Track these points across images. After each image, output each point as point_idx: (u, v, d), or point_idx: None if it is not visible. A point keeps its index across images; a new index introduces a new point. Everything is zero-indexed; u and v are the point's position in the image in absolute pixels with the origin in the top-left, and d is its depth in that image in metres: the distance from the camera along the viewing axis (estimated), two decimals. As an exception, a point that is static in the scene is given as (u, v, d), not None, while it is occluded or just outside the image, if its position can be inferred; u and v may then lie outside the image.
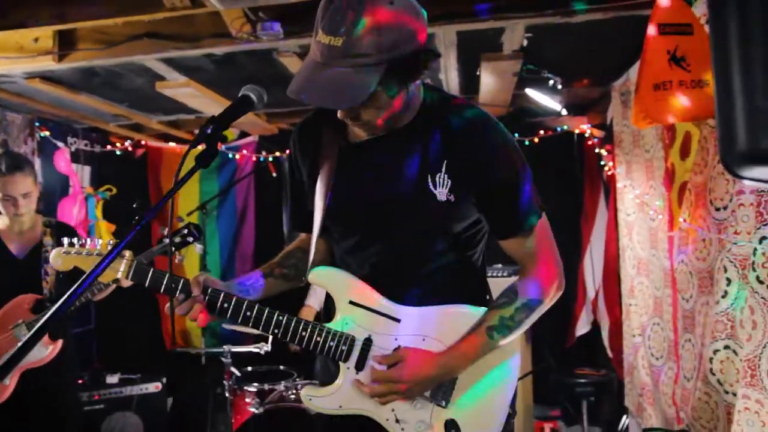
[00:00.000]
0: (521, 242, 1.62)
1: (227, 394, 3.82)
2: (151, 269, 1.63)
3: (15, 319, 2.98)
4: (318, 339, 1.60)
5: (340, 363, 1.61)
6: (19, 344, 1.06)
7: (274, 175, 5.58)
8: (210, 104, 4.36)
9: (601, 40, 3.47)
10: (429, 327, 1.60)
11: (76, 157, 5.25)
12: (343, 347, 1.60)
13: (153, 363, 5.12)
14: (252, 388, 3.87)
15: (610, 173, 4.55)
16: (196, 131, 5.58)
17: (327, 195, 1.64)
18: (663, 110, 2.36)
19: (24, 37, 3.36)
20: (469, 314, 1.62)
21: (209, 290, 1.61)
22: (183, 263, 4.38)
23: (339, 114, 1.51)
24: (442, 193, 1.55)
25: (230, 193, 5.81)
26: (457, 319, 1.61)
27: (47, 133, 4.85)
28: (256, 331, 1.63)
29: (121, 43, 3.28)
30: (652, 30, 2.37)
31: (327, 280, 1.66)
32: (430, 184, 1.56)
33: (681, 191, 2.92)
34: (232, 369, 3.90)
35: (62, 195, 5.00)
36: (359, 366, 1.60)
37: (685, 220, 2.90)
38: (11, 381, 2.92)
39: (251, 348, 3.88)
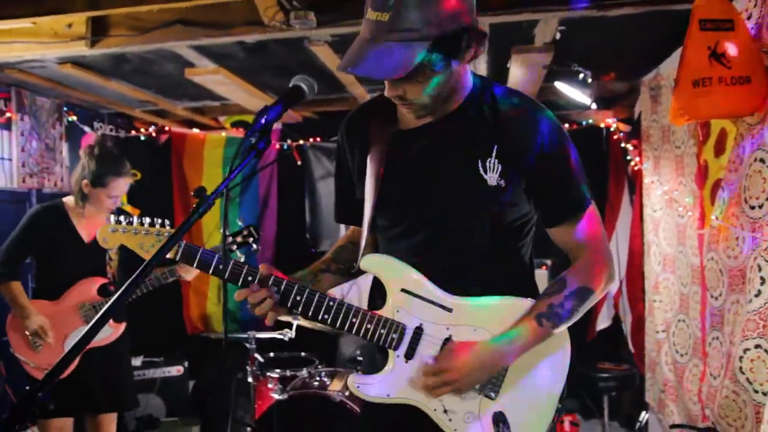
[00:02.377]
0: (570, 230, 1.62)
1: (250, 380, 3.86)
2: (200, 250, 1.61)
3: (83, 300, 3.14)
4: (369, 326, 1.60)
5: (390, 351, 1.61)
6: (86, 329, 1.11)
7: (299, 163, 5.60)
8: (237, 92, 4.37)
9: (633, 34, 3.45)
10: (480, 318, 1.60)
11: (102, 141, 5.29)
12: (394, 335, 1.60)
13: (175, 347, 5.18)
14: (275, 374, 3.89)
15: (636, 168, 4.52)
16: (221, 118, 5.66)
17: (377, 183, 1.65)
18: (702, 107, 2.34)
19: (58, 23, 3.38)
20: (519, 305, 1.61)
21: (284, 282, 1.60)
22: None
23: (386, 92, 1.52)
24: (492, 178, 1.56)
25: (253, 180, 5.84)
26: (508, 310, 1.61)
27: (74, 118, 4.90)
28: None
29: (154, 30, 3.30)
30: (692, 26, 2.36)
31: (380, 267, 1.66)
32: (481, 168, 1.56)
33: (714, 189, 2.90)
34: (256, 355, 3.94)
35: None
36: (409, 355, 1.60)
37: (716, 218, 2.88)
38: (75, 358, 3.03)
39: (275, 334, 3.92)
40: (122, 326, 3.23)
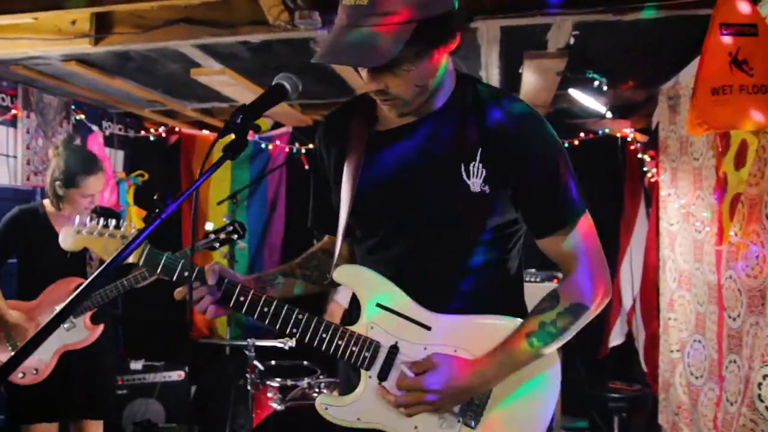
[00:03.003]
0: (561, 241, 1.48)
1: (249, 388, 3.78)
2: (165, 255, 1.54)
3: (59, 300, 3.05)
4: (339, 342, 1.48)
5: (362, 371, 1.49)
6: (42, 325, 1.04)
7: (307, 167, 5.51)
8: (244, 93, 4.30)
9: (651, 40, 3.32)
10: (462, 338, 1.48)
11: (109, 141, 5.26)
12: (366, 354, 1.48)
13: (177, 351, 5.11)
14: (275, 383, 3.82)
15: (652, 180, 4.37)
16: (230, 120, 5.59)
17: (352, 188, 1.53)
18: (721, 116, 2.21)
19: (62, 20, 3.33)
20: (506, 327, 1.49)
21: (225, 282, 1.51)
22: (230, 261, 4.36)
23: (367, 86, 1.41)
24: (475, 184, 1.44)
25: (262, 184, 5.77)
26: (492, 331, 1.48)
27: (82, 117, 4.86)
28: None
29: (158, 28, 3.24)
30: (712, 30, 2.23)
31: (354, 279, 1.54)
32: (464, 173, 1.45)
33: (733, 203, 2.76)
34: (256, 363, 3.86)
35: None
36: (383, 375, 1.48)
37: (736, 234, 2.73)
38: (52, 360, 3.03)
39: (276, 343, 3.83)
40: (99, 328, 3.14)
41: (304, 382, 3.79)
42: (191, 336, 5.65)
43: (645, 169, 4.53)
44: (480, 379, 1.43)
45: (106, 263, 1.10)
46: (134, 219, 5.17)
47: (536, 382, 1.50)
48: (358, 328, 1.50)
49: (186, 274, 1.54)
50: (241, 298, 1.51)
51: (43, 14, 3.05)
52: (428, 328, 1.48)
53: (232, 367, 4.82)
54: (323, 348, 1.48)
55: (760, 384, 2.42)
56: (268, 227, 5.86)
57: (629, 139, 4.74)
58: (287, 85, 1.40)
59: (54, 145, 3.19)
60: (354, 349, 1.47)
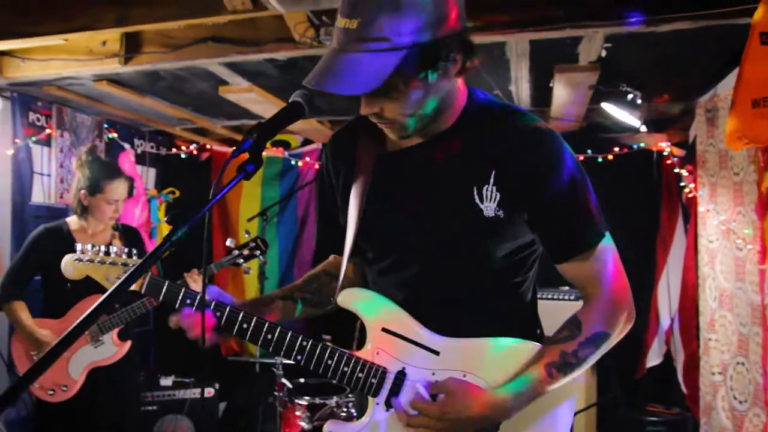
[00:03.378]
0: (581, 265, 1.40)
1: (278, 406, 3.75)
2: (166, 283, 1.51)
3: None
4: (345, 369, 1.42)
5: (369, 398, 1.44)
6: (47, 350, 1.00)
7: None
8: (273, 110, 4.23)
9: (687, 51, 3.21)
10: (471, 362, 1.41)
11: (141, 159, 5.32)
12: (373, 380, 1.42)
13: (208, 368, 5.10)
14: (303, 402, 3.77)
15: (690, 195, 4.23)
16: (260, 137, 5.62)
17: (360, 210, 1.48)
18: (763, 129, 2.11)
19: (93, 40, 3.39)
20: (518, 350, 1.41)
21: (227, 309, 1.47)
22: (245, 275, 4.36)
23: (362, 110, 1.36)
24: (489, 208, 1.37)
25: (292, 200, 5.76)
26: (504, 355, 1.41)
27: (115, 135, 4.92)
28: None
29: (185, 47, 3.26)
30: (751, 40, 2.13)
31: (358, 304, 1.48)
32: (476, 197, 1.38)
33: (777, 220, 2.63)
34: (284, 381, 3.83)
35: (127, 195, 5.06)
36: (390, 402, 1.42)
37: (779, 253, 2.61)
38: (80, 377, 3.06)
39: (312, 369, 3.78)
40: (127, 345, 3.17)
41: (333, 401, 3.74)
42: (223, 353, 5.66)
43: (682, 184, 4.39)
44: (495, 410, 1.35)
45: (112, 289, 1.07)
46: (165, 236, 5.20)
47: (550, 415, 1.43)
48: (363, 353, 1.45)
49: (188, 302, 1.50)
50: (245, 326, 1.46)
51: (74, 35, 3.10)
52: (436, 353, 1.42)
53: (262, 384, 4.79)
54: (329, 375, 1.43)
55: (808, 412, 2.28)
56: (299, 243, 5.84)
57: (665, 154, 4.60)
58: (303, 102, 1.36)
59: (77, 156, 3.24)
60: (360, 375, 1.42)
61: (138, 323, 4.93)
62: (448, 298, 1.45)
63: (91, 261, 1.61)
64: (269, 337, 1.45)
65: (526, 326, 1.51)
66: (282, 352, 1.44)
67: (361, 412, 1.48)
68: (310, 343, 1.44)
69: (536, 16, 2.77)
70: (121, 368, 3.15)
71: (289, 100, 1.38)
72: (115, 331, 3.09)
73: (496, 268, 1.44)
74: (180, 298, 1.50)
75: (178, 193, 5.43)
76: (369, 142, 1.52)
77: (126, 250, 1.61)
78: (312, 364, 1.43)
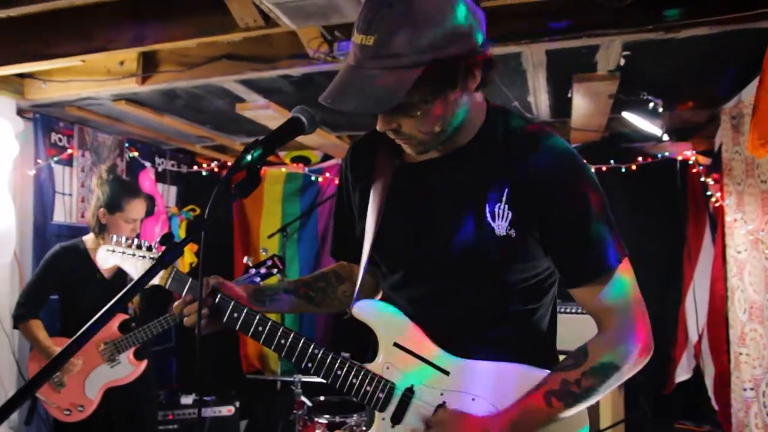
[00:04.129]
0: (595, 292, 1.33)
1: (297, 425, 3.71)
2: (189, 279, 1.55)
3: (103, 338, 3.08)
4: (354, 381, 1.40)
5: (376, 412, 1.40)
6: (36, 374, 1.00)
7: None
8: (290, 126, 4.31)
9: (710, 57, 3.14)
10: (481, 385, 1.36)
11: (162, 177, 5.36)
12: (380, 395, 1.39)
13: (229, 385, 5.09)
14: (323, 420, 3.74)
15: (717, 205, 4.12)
16: (281, 153, 5.63)
17: (377, 221, 1.46)
18: (787, 136, 2.03)
19: (111, 60, 3.43)
20: (529, 376, 1.36)
21: (219, 296, 1.50)
22: None
23: (378, 126, 1.33)
24: (501, 227, 1.33)
25: (312, 216, 5.75)
26: (514, 379, 1.36)
27: (136, 154, 4.97)
28: None
29: (200, 65, 3.28)
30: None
31: (372, 316, 1.45)
32: (488, 214, 1.34)
33: (806, 230, 2.53)
34: (303, 399, 3.79)
35: (146, 215, 5.11)
36: (396, 419, 1.38)
37: (810, 263, 2.51)
38: (97, 396, 3.06)
39: (321, 379, 3.75)
40: (143, 364, 3.15)
41: (353, 419, 3.69)
42: (244, 370, 5.65)
43: (709, 193, 4.28)
44: None
45: (132, 284, 1.11)
46: (186, 253, 5.23)
47: None
48: (373, 367, 1.42)
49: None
50: (260, 329, 1.47)
51: (92, 56, 3.13)
52: (447, 373, 1.38)
53: (282, 402, 4.76)
54: (337, 385, 1.42)
55: None
56: (320, 259, 5.82)
57: (691, 162, 4.50)
58: (303, 119, 1.33)
59: (97, 174, 3.26)
60: (368, 388, 1.40)
61: (158, 341, 4.96)
62: (459, 317, 1.41)
63: (123, 252, 1.66)
64: (282, 342, 1.45)
65: (540, 354, 1.44)
66: (293, 359, 1.44)
67: (371, 423, 1.45)
68: (321, 351, 1.43)
69: (551, 25, 2.73)
70: (138, 388, 3.14)
71: (290, 116, 1.36)
72: (132, 350, 3.08)
73: (509, 290, 1.38)
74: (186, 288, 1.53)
75: (198, 211, 5.46)
76: (387, 154, 1.50)
77: (157, 244, 1.64)
78: (322, 372, 1.42)
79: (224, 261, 5.54)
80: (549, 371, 1.36)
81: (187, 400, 4.65)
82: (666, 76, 3.44)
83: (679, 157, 4.57)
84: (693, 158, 4.48)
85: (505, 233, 1.33)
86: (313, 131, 1.36)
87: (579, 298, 1.37)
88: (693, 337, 4.49)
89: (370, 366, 1.42)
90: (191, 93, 3.72)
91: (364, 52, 1.20)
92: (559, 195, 1.31)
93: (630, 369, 1.33)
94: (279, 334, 1.45)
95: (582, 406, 1.32)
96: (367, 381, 1.40)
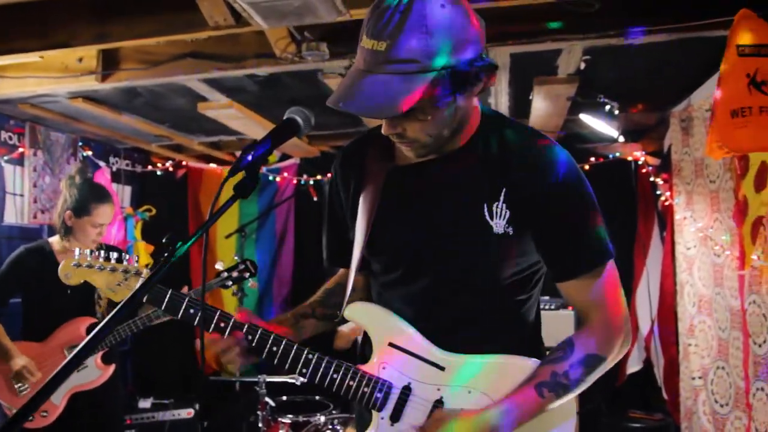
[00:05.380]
0: (583, 286, 1.41)
1: (261, 425, 3.69)
2: (169, 291, 1.48)
3: (70, 342, 3.00)
4: (351, 383, 1.42)
5: (374, 412, 1.44)
6: (51, 376, 0.96)
7: (315, 199, 5.47)
8: (252, 126, 4.29)
9: (662, 63, 3.29)
10: (476, 379, 1.41)
11: (117, 177, 5.24)
12: (378, 395, 1.42)
13: (187, 388, 5.02)
14: (287, 420, 3.73)
15: (666, 203, 4.31)
16: (238, 153, 5.55)
17: (368, 223, 1.48)
18: (741, 139, 2.16)
19: (68, 57, 3.33)
20: (522, 367, 1.42)
21: (259, 332, 1.45)
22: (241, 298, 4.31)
23: (383, 129, 1.36)
24: (499, 225, 1.38)
25: (270, 217, 5.72)
26: (508, 371, 1.41)
27: (90, 153, 4.85)
28: None
29: (164, 63, 3.23)
30: (728, 52, 2.19)
31: (365, 318, 1.49)
32: (486, 214, 1.39)
33: (755, 226, 2.69)
34: (267, 399, 3.78)
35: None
36: (395, 417, 1.42)
37: (758, 258, 2.66)
38: (62, 402, 2.97)
39: (287, 378, 3.75)
40: (111, 368, 3.09)
41: (317, 418, 3.70)
42: (203, 374, 5.56)
43: (658, 192, 4.47)
44: (486, 430, 1.34)
45: (119, 305, 1.05)
46: (142, 254, 5.12)
47: None
48: (369, 368, 1.45)
49: (191, 311, 1.49)
50: (274, 348, 1.44)
51: (51, 52, 3.05)
52: (442, 369, 1.42)
53: (243, 403, 4.72)
54: (334, 388, 1.43)
55: (792, 414, 2.33)
56: (277, 260, 5.79)
57: (641, 163, 4.68)
58: (299, 120, 1.35)
59: (67, 175, 3.19)
60: (366, 390, 1.42)
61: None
62: (454, 313, 1.45)
63: (91, 266, 1.58)
64: (274, 349, 1.44)
65: (529, 344, 1.51)
66: (287, 365, 1.44)
67: (363, 424, 1.48)
68: (315, 356, 1.44)
69: (517, 29, 2.81)
70: (104, 392, 3.07)
71: (284, 117, 1.37)
72: (99, 354, 3.02)
73: (501, 285, 1.44)
74: (183, 308, 1.48)
75: (154, 211, 5.36)
76: (379, 157, 1.52)
77: (127, 255, 1.59)
78: (317, 377, 1.43)
79: (180, 262, 5.41)
80: (539, 361, 1.42)
81: (144, 403, 4.57)
82: (620, 80, 3.58)
83: (630, 158, 4.76)
84: (642, 159, 4.67)
85: (503, 231, 1.38)
86: (307, 132, 1.38)
87: (567, 291, 1.44)
88: (643, 329, 4.68)
89: (365, 367, 1.45)
90: (153, 91, 3.66)
91: (375, 57, 1.23)
92: (555, 193, 1.37)
93: (613, 359, 1.42)
94: (270, 341, 1.44)
95: (571, 396, 1.39)
96: (364, 382, 1.42)
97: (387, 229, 1.48)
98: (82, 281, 1.59)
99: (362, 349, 1.58)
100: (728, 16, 2.33)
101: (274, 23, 2.50)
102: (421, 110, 1.28)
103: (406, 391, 1.42)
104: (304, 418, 3.73)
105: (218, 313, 1.47)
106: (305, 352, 1.44)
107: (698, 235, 3.62)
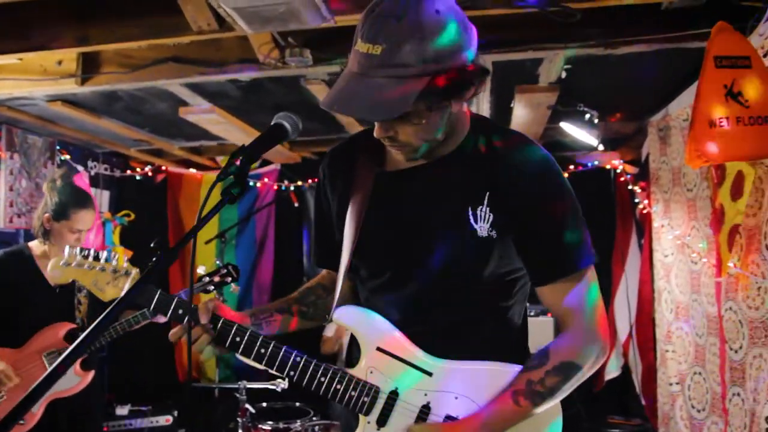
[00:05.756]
0: (562, 290, 1.42)
1: None
2: (158, 291, 1.49)
3: (48, 347, 2.94)
4: (338, 387, 1.43)
5: (360, 416, 1.44)
6: (45, 374, 0.96)
7: (296, 204, 5.46)
8: (233, 131, 4.27)
9: (641, 73, 3.33)
10: (463, 385, 1.42)
11: (95, 181, 5.18)
12: (366, 399, 1.43)
13: (165, 395, 4.97)
14: (267, 427, 3.73)
15: (644, 211, 4.37)
16: (219, 158, 5.55)
17: (357, 228, 1.49)
18: (719, 148, 2.20)
19: (47, 60, 3.29)
20: (509, 374, 1.43)
21: (221, 321, 1.47)
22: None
23: (375, 133, 1.37)
24: (483, 229, 1.40)
25: (250, 222, 5.70)
26: (495, 378, 1.42)
27: (68, 157, 4.79)
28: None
29: (146, 67, 3.20)
30: (706, 63, 2.23)
31: (354, 322, 1.50)
32: (471, 218, 1.41)
33: (731, 234, 2.74)
34: (247, 406, 3.76)
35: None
36: (381, 422, 1.42)
37: (735, 265, 2.71)
38: (39, 409, 2.91)
39: (267, 385, 3.73)
40: (90, 375, 3.03)
41: (297, 424, 3.69)
42: (181, 379, 5.51)
43: (636, 200, 4.53)
44: None
45: (112, 306, 1.05)
46: (120, 260, 5.05)
47: None
48: (357, 372, 1.45)
49: (180, 312, 1.48)
50: (237, 339, 1.46)
51: (29, 55, 3.01)
52: (429, 374, 1.43)
53: (223, 410, 4.69)
54: (321, 392, 1.44)
55: (767, 418, 2.37)
56: (257, 266, 5.77)
57: (619, 171, 4.75)
58: (287, 125, 1.36)
59: (50, 178, 3.13)
60: (353, 393, 1.43)
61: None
62: (440, 317, 1.46)
63: (80, 265, 1.57)
64: (262, 351, 1.45)
65: (516, 349, 1.53)
66: (275, 367, 1.44)
67: (349, 428, 1.49)
68: (303, 359, 1.44)
69: (499, 37, 2.84)
70: (83, 399, 3.01)
71: (273, 122, 1.37)
72: (78, 361, 2.97)
73: (486, 289, 1.45)
74: (171, 308, 1.48)
75: (133, 216, 5.31)
76: (367, 161, 1.53)
77: (116, 255, 1.57)
78: (305, 380, 1.43)
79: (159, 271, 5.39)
80: (520, 366, 1.43)
81: (122, 410, 4.52)
82: (600, 89, 3.63)
83: (608, 166, 4.83)
84: (620, 167, 4.74)
85: (486, 234, 1.39)
86: (296, 137, 1.38)
87: (545, 296, 1.45)
88: (622, 336, 4.74)
89: (353, 371, 1.45)
90: (133, 95, 3.63)
91: (370, 61, 1.23)
92: (536, 198, 1.40)
93: (591, 368, 1.42)
94: (258, 343, 1.45)
95: (550, 404, 1.40)
96: (351, 386, 1.43)
97: (374, 234, 1.49)
98: (70, 279, 1.59)
99: (349, 352, 1.58)
100: (705, 29, 2.38)
101: (258, 28, 2.49)
102: (415, 114, 1.29)
103: (393, 395, 1.43)
104: (285, 425, 3.72)
105: (235, 327, 1.47)
106: (293, 355, 1.44)
107: (676, 242, 3.67)
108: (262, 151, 1.30)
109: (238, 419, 3.72)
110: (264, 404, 4.10)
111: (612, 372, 4.81)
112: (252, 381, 3.83)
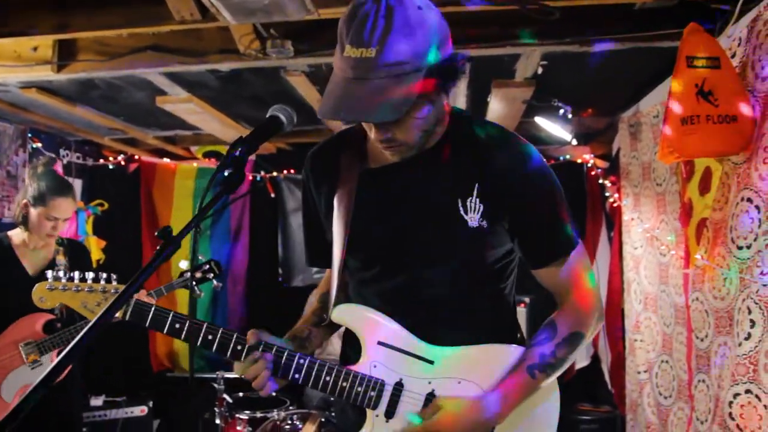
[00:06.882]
0: (558, 271, 1.51)
1: (218, 421, 3.69)
2: (153, 307, 1.47)
3: (25, 337, 2.93)
4: (344, 384, 1.47)
5: (368, 410, 1.48)
6: (32, 387, 0.98)
7: (272, 195, 5.46)
8: (210, 121, 4.25)
9: (614, 70, 3.42)
10: (464, 369, 1.49)
11: (68, 170, 5.11)
12: (372, 393, 1.47)
13: (139, 385, 4.94)
14: (244, 416, 3.75)
15: (614, 205, 4.48)
16: (193, 148, 5.51)
17: (346, 225, 1.53)
18: (690, 145, 2.29)
19: (22, 46, 3.24)
20: (506, 353, 1.50)
21: (275, 349, 1.47)
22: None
23: (374, 136, 1.41)
24: (473, 219, 1.46)
25: (224, 213, 5.68)
26: (493, 358, 1.50)
27: (39, 145, 4.71)
28: None
29: (124, 56, 3.18)
30: (679, 62, 2.32)
31: (353, 318, 1.54)
32: (461, 209, 1.46)
33: (699, 228, 2.84)
34: (224, 396, 3.77)
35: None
36: (389, 414, 1.47)
37: (702, 257, 2.82)
38: (13, 400, 2.90)
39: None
40: (68, 367, 3.01)
41: (275, 414, 3.72)
42: (154, 369, 5.48)
43: (607, 194, 4.65)
44: (488, 419, 1.42)
45: (92, 321, 1.05)
46: (93, 250, 5.01)
47: (537, 412, 1.51)
48: (360, 367, 1.49)
49: (177, 326, 1.48)
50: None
51: (6, 41, 2.97)
52: (431, 362, 1.48)
53: (198, 399, 4.69)
54: (327, 391, 1.46)
55: (730, 403, 2.47)
56: (232, 257, 5.75)
57: (590, 165, 4.86)
58: (282, 117, 1.39)
59: (33, 165, 3.12)
60: (359, 389, 1.47)
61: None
62: (433, 307, 1.51)
63: (66, 289, 1.56)
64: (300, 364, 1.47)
65: (510, 330, 1.60)
66: (279, 372, 1.46)
67: (346, 421, 1.54)
68: (307, 360, 1.47)
69: (477, 33, 2.89)
70: (61, 390, 3.00)
71: (268, 114, 1.40)
72: (55, 352, 2.95)
73: (481, 276, 1.52)
74: (168, 323, 1.48)
75: (106, 205, 5.25)
76: (351, 159, 1.57)
77: (105, 275, 1.57)
78: (310, 381, 1.46)
79: (132, 257, 5.36)
80: (521, 346, 1.51)
81: (96, 401, 4.48)
82: (574, 85, 3.72)
83: (579, 160, 4.94)
84: (591, 161, 4.85)
85: (477, 224, 1.45)
86: (290, 129, 1.41)
87: (542, 276, 1.53)
88: (591, 326, 4.86)
89: (356, 367, 1.49)
90: (111, 83, 3.59)
91: (366, 64, 1.26)
92: (526, 187, 1.46)
93: (591, 334, 1.53)
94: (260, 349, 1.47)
95: (559, 372, 1.49)
96: (356, 382, 1.47)
97: (365, 229, 1.53)
98: (57, 304, 1.57)
99: (344, 349, 1.62)
100: (677, 29, 2.47)
101: (242, 20, 2.50)
102: (414, 108, 1.33)
103: (399, 387, 1.47)
104: (262, 414, 3.74)
105: (235, 337, 1.47)
106: (296, 357, 1.47)
107: (645, 235, 3.79)
108: (259, 142, 1.33)
109: (216, 409, 3.73)
110: (241, 394, 4.12)
111: (582, 361, 4.94)
112: (229, 371, 3.84)
